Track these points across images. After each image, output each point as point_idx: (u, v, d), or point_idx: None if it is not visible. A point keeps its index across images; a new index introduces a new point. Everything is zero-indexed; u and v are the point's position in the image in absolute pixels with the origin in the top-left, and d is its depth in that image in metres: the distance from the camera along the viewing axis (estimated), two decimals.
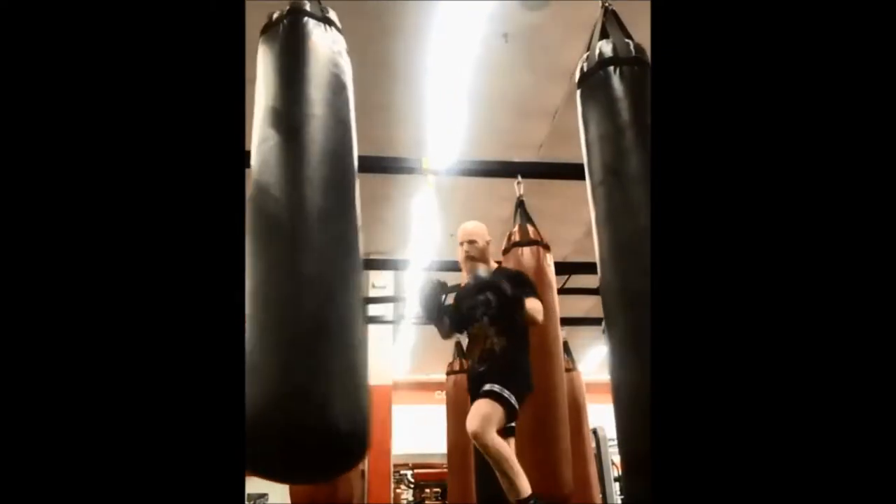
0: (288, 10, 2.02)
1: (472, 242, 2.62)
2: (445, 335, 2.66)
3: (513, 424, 2.38)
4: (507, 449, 2.24)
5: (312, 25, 1.99)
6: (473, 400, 2.34)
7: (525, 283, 2.50)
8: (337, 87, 1.98)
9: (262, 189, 1.83)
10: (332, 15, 2.10)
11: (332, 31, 2.05)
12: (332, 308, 1.73)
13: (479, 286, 2.44)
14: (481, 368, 2.40)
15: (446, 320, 2.57)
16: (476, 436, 2.20)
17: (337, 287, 1.77)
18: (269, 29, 2.02)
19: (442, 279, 2.55)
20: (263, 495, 11.92)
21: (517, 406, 2.31)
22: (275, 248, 1.77)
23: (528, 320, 2.39)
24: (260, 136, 1.91)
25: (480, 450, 2.24)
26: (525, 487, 2.18)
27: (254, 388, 1.52)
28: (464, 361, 5.13)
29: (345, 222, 1.87)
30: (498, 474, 2.21)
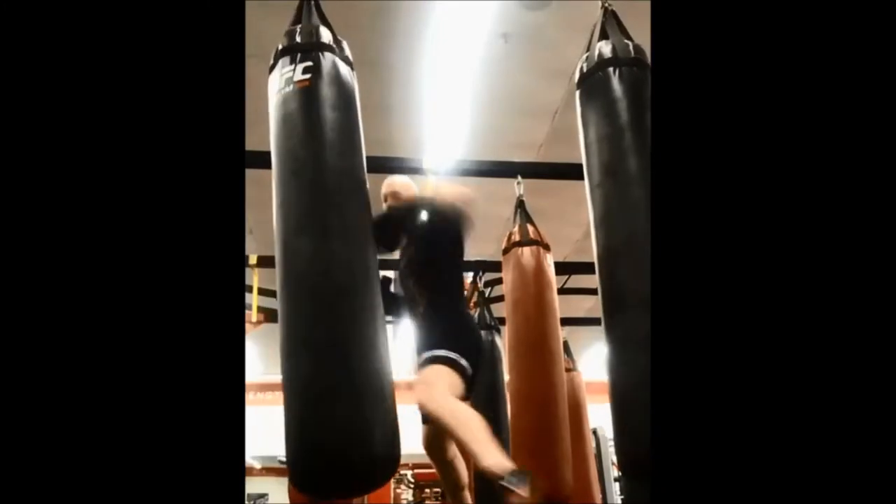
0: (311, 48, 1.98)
1: (395, 196, 2.43)
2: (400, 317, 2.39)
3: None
4: (468, 409, 1.76)
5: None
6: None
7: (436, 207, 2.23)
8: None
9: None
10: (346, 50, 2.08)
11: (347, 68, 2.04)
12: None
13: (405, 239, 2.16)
14: (416, 337, 2.12)
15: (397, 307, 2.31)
16: (422, 403, 1.79)
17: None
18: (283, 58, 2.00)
19: (385, 275, 2.30)
20: (263, 495, 11.91)
21: (470, 370, 1.90)
22: None
23: (462, 204, 2.14)
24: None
25: (432, 417, 1.80)
26: (499, 460, 1.61)
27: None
28: None
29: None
30: (461, 443, 1.74)
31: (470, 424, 1.72)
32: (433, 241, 2.19)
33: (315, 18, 2.07)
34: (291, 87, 1.92)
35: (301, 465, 1.75)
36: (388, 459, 1.76)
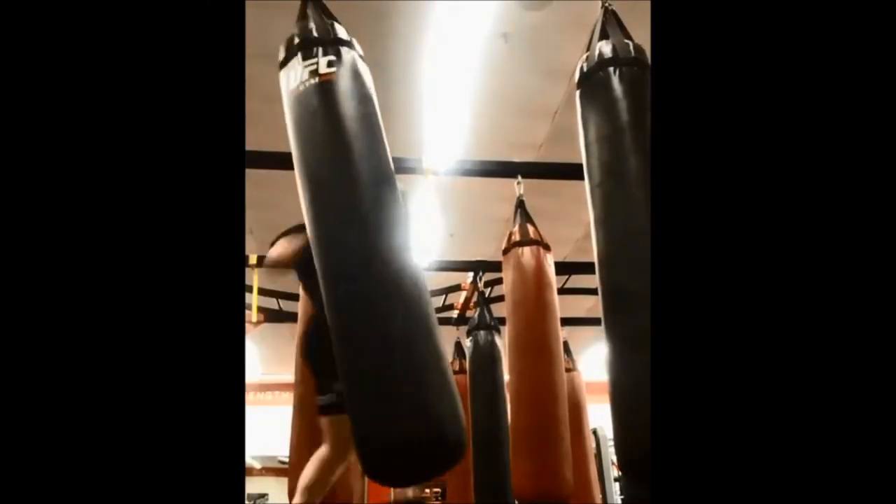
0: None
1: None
2: None
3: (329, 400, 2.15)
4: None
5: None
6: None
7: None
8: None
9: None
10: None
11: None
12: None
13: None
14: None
15: None
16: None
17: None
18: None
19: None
20: (263, 495, 11.92)
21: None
22: None
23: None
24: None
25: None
26: None
27: None
28: (464, 361, 5.13)
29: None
30: None
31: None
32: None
33: (324, 16, 2.11)
34: (315, 79, 1.94)
35: None
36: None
